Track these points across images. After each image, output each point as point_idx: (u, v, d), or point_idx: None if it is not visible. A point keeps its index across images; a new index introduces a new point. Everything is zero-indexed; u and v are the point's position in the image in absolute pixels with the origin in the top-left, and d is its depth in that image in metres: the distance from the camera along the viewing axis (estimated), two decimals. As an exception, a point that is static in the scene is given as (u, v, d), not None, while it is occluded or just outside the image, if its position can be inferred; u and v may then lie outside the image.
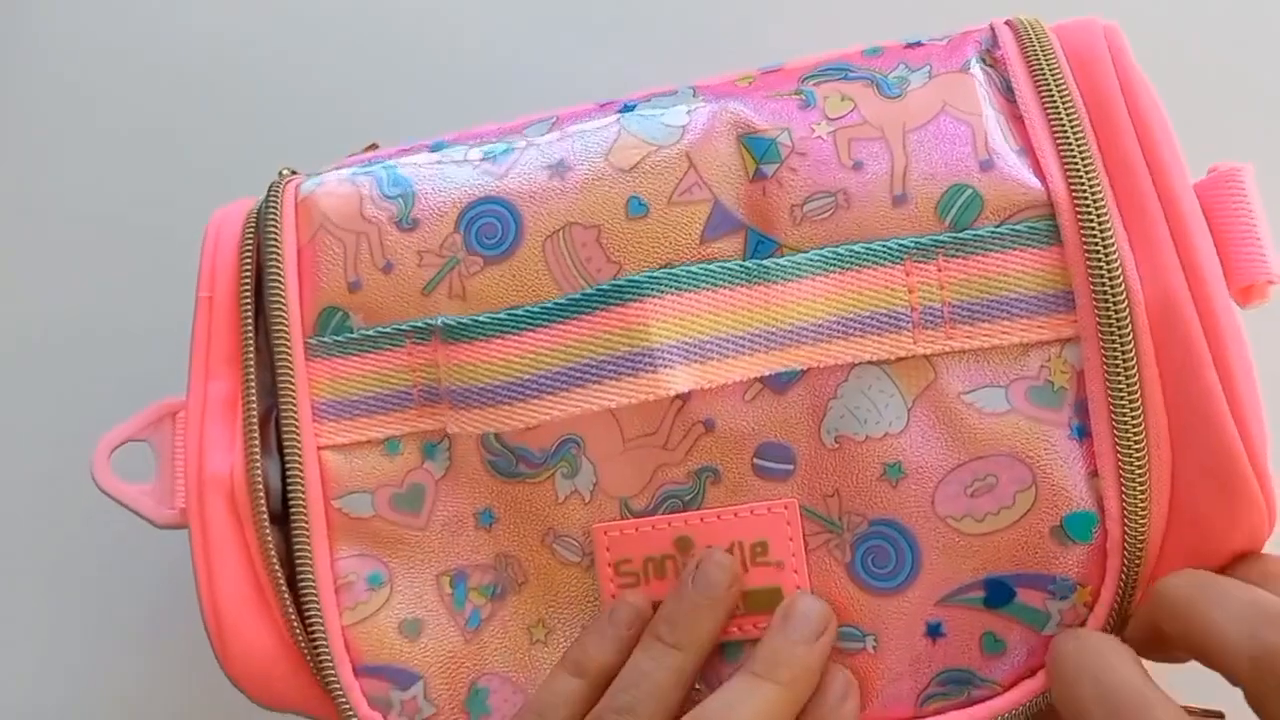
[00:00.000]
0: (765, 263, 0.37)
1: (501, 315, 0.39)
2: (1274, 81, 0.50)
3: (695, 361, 0.37)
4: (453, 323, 0.39)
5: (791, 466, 0.37)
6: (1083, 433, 0.35)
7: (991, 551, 0.36)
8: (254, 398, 0.40)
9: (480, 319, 0.39)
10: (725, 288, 0.37)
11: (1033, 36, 0.38)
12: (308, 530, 0.39)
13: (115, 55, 0.58)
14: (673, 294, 0.37)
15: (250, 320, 0.41)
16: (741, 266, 0.37)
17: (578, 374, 0.37)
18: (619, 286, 0.37)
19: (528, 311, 0.38)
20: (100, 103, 0.57)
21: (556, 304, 0.38)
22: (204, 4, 0.58)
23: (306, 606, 0.39)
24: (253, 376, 0.41)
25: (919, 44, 0.40)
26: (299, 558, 0.39)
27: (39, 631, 0.52)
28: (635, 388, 0.37)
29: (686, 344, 0.37)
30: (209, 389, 0.41)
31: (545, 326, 0.38)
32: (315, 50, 0.57)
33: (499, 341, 0.38)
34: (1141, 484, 0.35)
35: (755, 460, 0.37)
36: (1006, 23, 0.39)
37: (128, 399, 0.44)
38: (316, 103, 0.56)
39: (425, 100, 0.56)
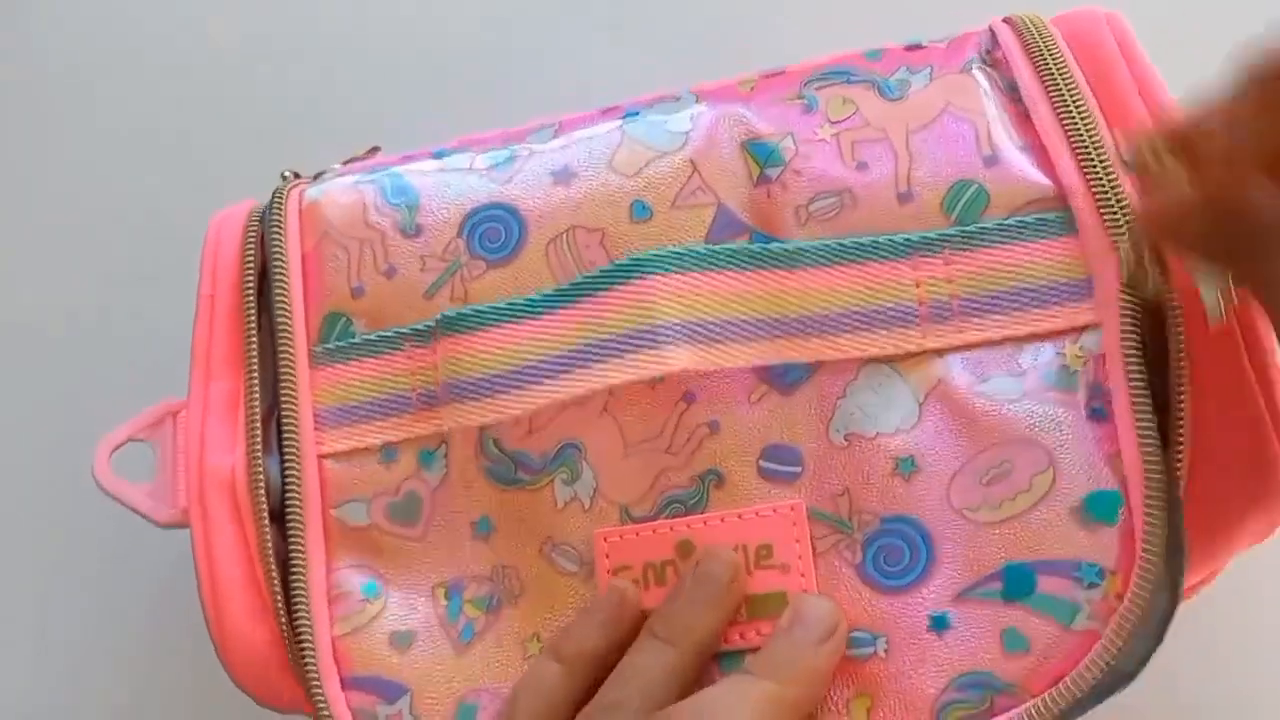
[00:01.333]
0: (771, 246, 0.37)
1: (501, 304, 0.38)
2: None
3: (700, 343, 0.36)
4: (453, 314, 0.39)
5: (799, 468, 0.36)
6: (1102, 414, 0.34)
7: (1010, 539, 0.34)
8: (256, 397, 0.40)
9: (480, 308, 0.39)
10: (732, 270, 0.37)
11: (1033, 32, 0.38)
12: (303, 542, 0.39)
13: (118, 57, 0.58)
14: (678, 273, 0.37)
15: (253, 321, 0.41)
16: (747, 249, 0.37)
17: (579, 356, 0.37)
18: (623, 267, 0.37)
19: (529, 300, 0.38)
20: (102, 103, 0.58)
21: (560, 290, 0.38)
22: (204, 5, 0.57)
23: (297, 619, 0.39)
24: (255, 376, 0.40)
25: (919, 46, 0.40)
26: (293, 570, 0.39)
27: (42, 630, 0.52)
28: (637, 365, 0.36)
29: (691, 324, 0.36)
30: (210, 388, 0.41)
31: (549, 313, 0.38)
32: (316, 51, 0.57)
33: (497, 330, 0.38)
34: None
35: (761, 462, 0.37)
36: (1005, 21, 0.39)
37: (129, 398, 0.44)
38: (318, 103, 0.56)
39: (426, 100, 0.56)
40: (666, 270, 0.37)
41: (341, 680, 0.38)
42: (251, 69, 0.57)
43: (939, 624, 0.34)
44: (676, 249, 0.37)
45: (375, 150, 0.46)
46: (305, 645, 0.38)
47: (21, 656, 0.52)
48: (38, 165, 0.58)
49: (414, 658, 0.38)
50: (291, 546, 0.39)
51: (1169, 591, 0.33)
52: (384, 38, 0.57)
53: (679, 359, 0.36)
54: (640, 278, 0.37)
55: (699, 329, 0.36)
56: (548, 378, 0.37)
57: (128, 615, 0.52)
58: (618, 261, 0.38)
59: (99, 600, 0.52)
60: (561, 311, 0.38)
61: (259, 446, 0.40)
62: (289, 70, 0.57)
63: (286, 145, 0.55)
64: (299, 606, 0.39)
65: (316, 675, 0.38)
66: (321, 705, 0.38)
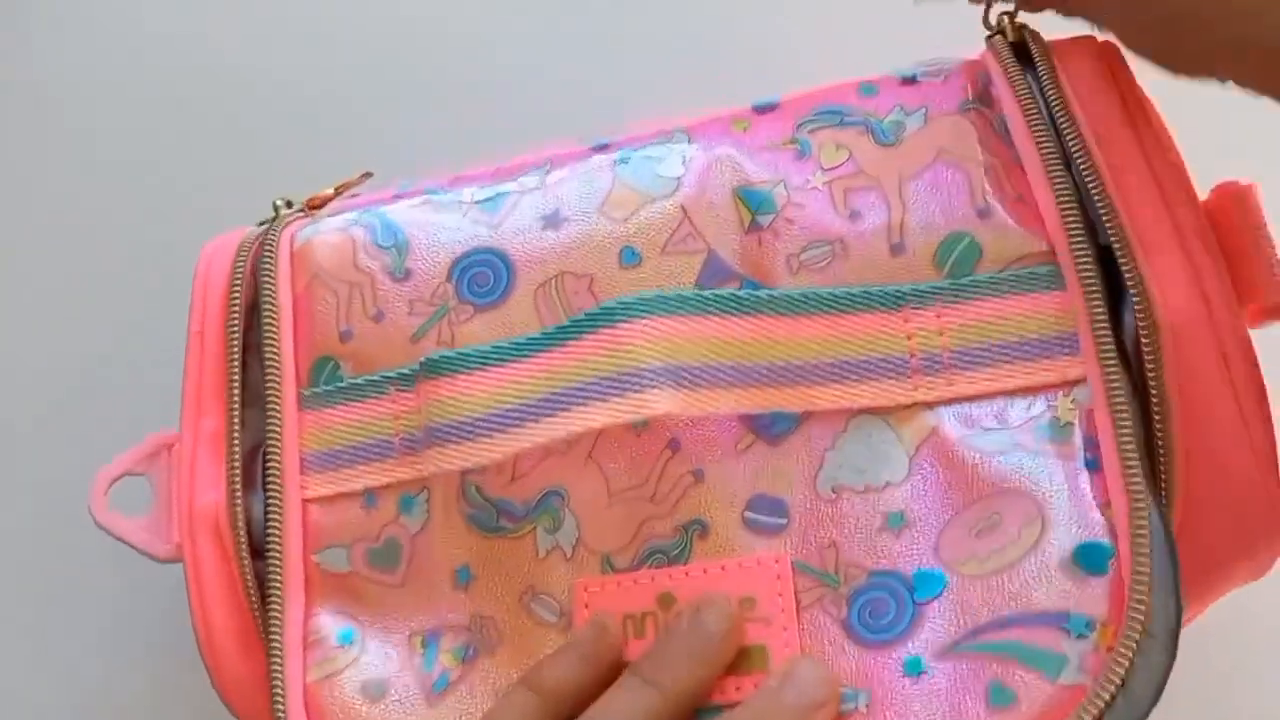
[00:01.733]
0: (760, 293, 0.37)
1: (485, 348, 0.38)
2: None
3: (685, 388, 0.36)
4: (435, 357, 0.38)
5: (784, 520, 0.36)
6: (1093, 465, 0.34)
7: (996, 591, 0.33)
8: (238, 437, 0.40)
9: (464, 351, 0.38)
10: (719, 316, 0.36)
11: (1020, 70, 0.37)
12: (282, 587, 0.39)
13: (115, 82, 0.58)
14: (664, 317, 0.36)
15: (237, 358, 0.41)
16: (735, 295, 0.37)
17: (561, 399, 0.36)
18: (608, 310, 0.37)
19: (513, 343, 0.38)
20: (100, 126, 0.58)
21: (545, 333, 0.38)
22: (199, 22, 0.58)
23: (271, 664, 0.39)
24: (237, 416, 0.41)
25: (914, 80, 0.39)
26: (270, 614, 0.39)
27: (42, 633, 0.53)
28: (619, 408, 0.36)
29: (676, 368, 0.36)
30: (201, 424, 0.41)
31: (532, 356, 0.37)
32: (317, 55, 0.57)
33: (479, 373, 0.38)
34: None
35: (746, 513, 0.36)
36: (995, 51, 0.38)
37: (130, 421, 0.44)
38: (318, 108, 0.56)
39: (426, 104, 0.56)
40: (652, 314, 0.36)
41: None
42: (250, 80, 0.57)
43: (912, 668, 0.34)
44: (663, 293, 0.37)
45: (367, 175, 0.46)
46: (277, 691, 0.38)
47: (22, 657, 0.52)
48: (36, 174, 0.58)
49: (385, 708, 0.38)
50: (270, 591, 0.39)
51: (1163, 643, 0.32)
52: (384, 39, 0.57)
53: (662, 403, 0.35)
54: (625, 321, 0.36)
55: (683, 374, 0.36)
56: (530, 421, 0.37)
57: (131, 618, 0.52)
58: (604, 304, 0.37)
59: (100, 602, 0.52)
60: (544, 355, 0.37)
61: (239, 488, 0.40)
62: (289, 76, 0.57)
63: (286, 150, 0.56)
64: (274, 651, 0.39)
65: None
66: None
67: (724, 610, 0.35)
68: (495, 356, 0.38)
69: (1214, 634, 0.42)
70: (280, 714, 0.38)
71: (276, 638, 0.39)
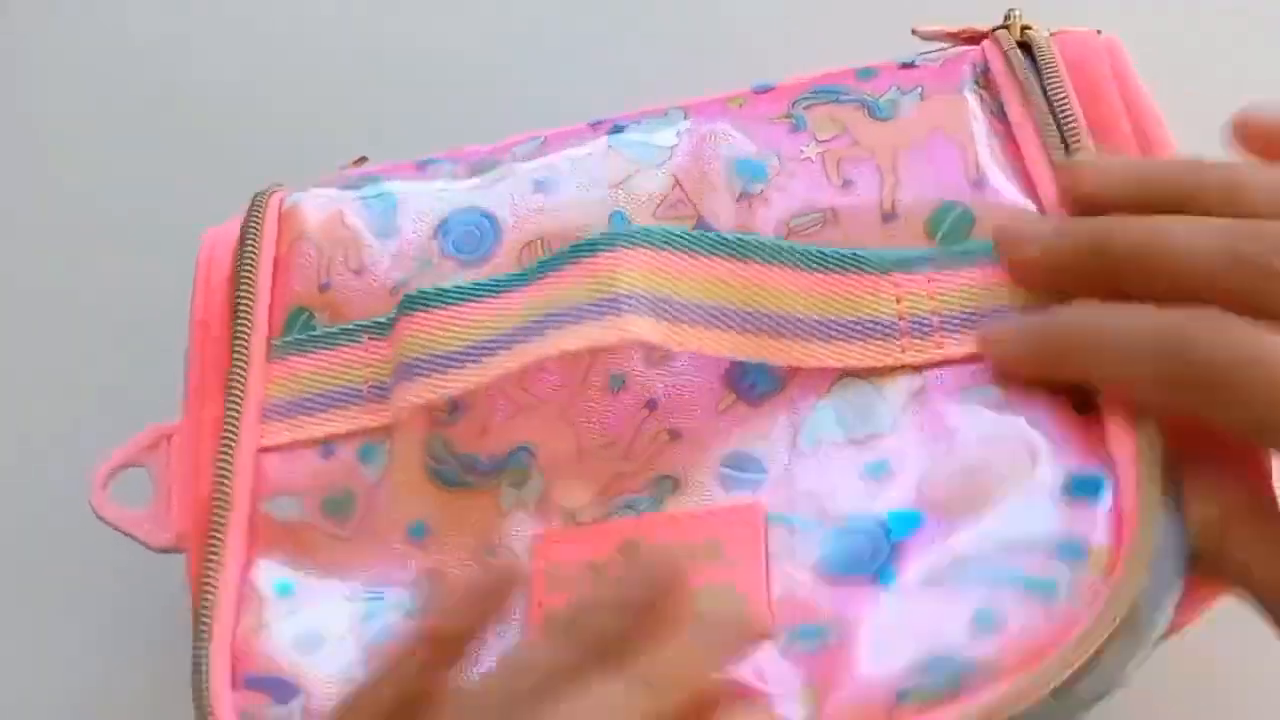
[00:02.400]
0: (746, 238, 0.36)
1: (466, 284, 0.38)
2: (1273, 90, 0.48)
3: (665, 320, 0.35)
4: (414, 294, 0.38)
5: (762, 475, 0.35)
6: (1087, 407, 0.32)
7: (981, 523, 0.32)
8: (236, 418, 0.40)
9: (444, 288, 0.38)
10: (706, 256, 0.36)
11: (1020, 56, 0.37)
12: (223, 535, 0.38)
13: (115, 78, 0.59)
14: (648, 248, 0.36)
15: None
16: (722, 238, 0.36)
17: (537, 327, 0.36)
18: (591, 241, 0.36)
19: (494, 280, 0.38)
20: (101, 120, 0.59)
21: (526, 270, 0.38)
22: (197, 19, 0.59)
23: (201, 612, 0.37)
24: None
25: (912, 65, 0.39)
26: (209, 563, 0.38)
27: (41, 648, 0.52)
28: (596, 331, 0.35)
29: (658, 299, 0.35)
30: (204, 413, 0.41)
31: (511, 290, 0.37)
32: (312, 67, 0.58)
33: (456, 308, 0.38)
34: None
35: (722, 469, 0.35)
36: (994, 40, 0.39)
37: (128, 414, 0.44)
38: (313, 120, 0.57)
39: (420, 114, 0.56)
40: (635, 245, 0.36)
41: (235, 679, 0.36)
42: (250, 76, 0.58)
43: (889, 598, 0.32)
44: (650, 228, 0.37)
45: (363, 160, 0.47)
46: (202, 639, 0.37)
47: (22, 657, 0.52)
48: (35, 165, 0.59)
49: (317, 660, 0.36)
50: (211, 541, 0.38)
51: (1172, 566, 0.30)
52: (381, 36, 0.57)
53: (640, 329, 0.35)
54: (607, 250, 0.36)
55: (665, 305, 0.35)
56: (503, 349, 0.36)
57: (131, 618, 0.52)
58: (588, 238, 0.37)
59: (100, 602, 0.52)
60: (523, 289, 0.37)
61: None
62: (288, 71, 0.57)
63: (286, 143, 0.56)
64: (206, 600, 0.37)
65: (205, 671, 0.36)
66: (203, 704, 0.36)
67: (662, 559, 0.32)
68: (474, 292, 0.38)
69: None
70: (202, 666, 0.36)
71: (211, 589, 0.37)
